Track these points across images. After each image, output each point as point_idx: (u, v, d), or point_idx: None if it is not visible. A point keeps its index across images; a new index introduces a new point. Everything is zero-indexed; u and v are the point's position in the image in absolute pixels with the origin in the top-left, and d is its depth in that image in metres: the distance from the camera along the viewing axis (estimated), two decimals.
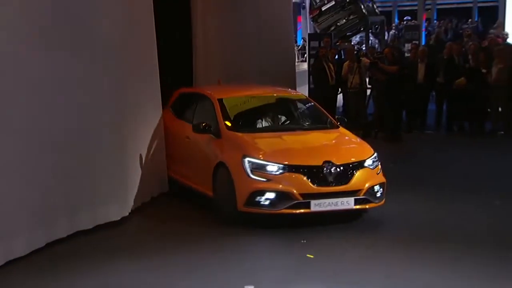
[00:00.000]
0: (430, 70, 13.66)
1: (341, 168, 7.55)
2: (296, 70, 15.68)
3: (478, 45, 14.57)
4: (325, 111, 9.07)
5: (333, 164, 7.50)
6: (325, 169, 7.45)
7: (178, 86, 10.00)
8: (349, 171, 7.60)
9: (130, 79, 8.58)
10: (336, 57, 15.13)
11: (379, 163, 8.00)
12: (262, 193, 7.42)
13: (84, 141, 7.70)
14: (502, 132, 13.29)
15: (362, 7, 20.10)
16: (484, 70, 13.21)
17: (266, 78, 11.61)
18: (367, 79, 14.02)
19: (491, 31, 21.98)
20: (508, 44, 15.72)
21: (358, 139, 8.52)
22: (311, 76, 15.34)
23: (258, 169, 7.52)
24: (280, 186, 7.41)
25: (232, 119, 8.55)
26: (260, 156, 7.64)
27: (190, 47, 10.52)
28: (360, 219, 7.95)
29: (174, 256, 6.86)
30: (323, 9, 19.81)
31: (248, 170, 7.53)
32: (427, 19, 27.14)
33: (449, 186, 9.63)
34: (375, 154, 8.02)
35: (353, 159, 7.76)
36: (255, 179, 7.49)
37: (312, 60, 15.45)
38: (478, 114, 13.48)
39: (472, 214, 8.33)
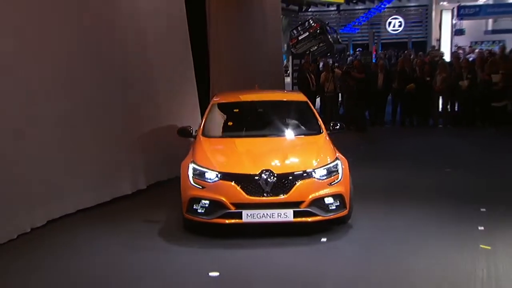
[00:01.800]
0: (387, 79, 13.78)
1: (280, 177, 5.60)
2: None
3: (423, 60, 14.77)
4: (318, 116, 6.91)
5: (271, 174, 5.59)
6: (260, 178, 5.57)
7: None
8: (289, 181, 5.62)
9: (173, 77, 8.60)
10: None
11: (341, 172, 5.86)
12: (197, 200, 5.70)
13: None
14: (441, 126, 13.46)
15: (329, 37, 20.29)
16: (428, 79, 13.38)
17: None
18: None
19: (420, 53, 22.18)
20: (445, 60, 15.93)
21: (325, 147, 6.22)
22: (296, 85, 15.40)
23: (199, 176, 5.77)
24: (212, 194, 5.64)
25: (215, 124, 6.80)
26: (202, 162, 5.86)
27: (207, 61, 10.33)
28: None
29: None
30: (299, 38, 19.92)
31: (191, 177, 5.80)
32: (376, 50, 27.46)
33: (407, 160, 9.83)
34: (335, 163, 5.87)
35: (296, 169, 5.72)
36: (193, 186, 5.76)
37: (295, 74, 15.56)
38: (423, 112, 13.66)
39: (431, 177, 8.50)
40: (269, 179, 5.58)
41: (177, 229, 6.16)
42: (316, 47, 19.89)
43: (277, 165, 5.77)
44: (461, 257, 5.25)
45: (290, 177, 5.65)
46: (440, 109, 13.62)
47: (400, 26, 31.71)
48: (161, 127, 8.35)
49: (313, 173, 5.73)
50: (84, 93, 6.84)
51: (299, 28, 20.46)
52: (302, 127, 6.82)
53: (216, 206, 5.62)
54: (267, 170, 5.63)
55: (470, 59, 14.75)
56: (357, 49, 29.40)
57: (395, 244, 5.60)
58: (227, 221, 5.62)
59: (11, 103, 5.82)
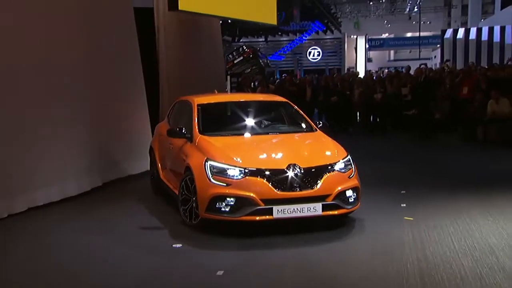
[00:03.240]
0: (314, 92, 14.10)
1: (307, 171, 5.00)
2: None
3: (343, 77, 15.28)
4: (305, 115, 6.29)
5: (298, 168, 4.98)
6: (289, 173, 4.96)
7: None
8: (316, 175, 5.03)
9: (123, 81, 8.34)
10: (252, 85, 15.33)
11: (353, 166, 5.41)
12: (222, 198, 4.91)
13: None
14: (359, 132, 13.83)
15: (261, 61, 20.62)
16: (348, 92, 13.84)
17: None
18: None
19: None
20: (361, 77, 16.53)
21: (333, 142, 5.72)
22: None
23: (219, 173, 5.00)
24: (240, 191, 4.87)
25: (209, 123, 5.90)
26: (222, 159, 5.09)
27: (156, 73, 9.90)
28: None
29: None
30: (235, 62, 20.08)
31: (209, 175, 5.01)
32: (300, 75, 28.23)
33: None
34: (348, 157, 5.40)
35: (321, 162, 5.16)
36: (215, 184, 4.96)
37: (233, 90, 15.64)
38: (344, 120, 14.02)
39: (376, 167, 8.73)
40: (297, 174, 4.95)
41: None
42: (249, 69, 20.10)
43: (302, 159, 5.13)
44: (390, 227, 5.43)
45: (317, 171, 5.05)
46: (358, 118, 14.07)
47: (318, 55, 32.83)
48: (117, 128, 8.14)
49: (335, 166, 5.20)
50: (58, 92, 6.76)
51: (234, 53, 20.66)
52: (297, 124, 6.21)
53: (244, 203, 4.85)
54: (293, 165, 5.00)
55: (382, 76, 15.43)
56: (283, 75, 30.11)
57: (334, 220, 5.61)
58: (257, 218, 4.88)
59: None
